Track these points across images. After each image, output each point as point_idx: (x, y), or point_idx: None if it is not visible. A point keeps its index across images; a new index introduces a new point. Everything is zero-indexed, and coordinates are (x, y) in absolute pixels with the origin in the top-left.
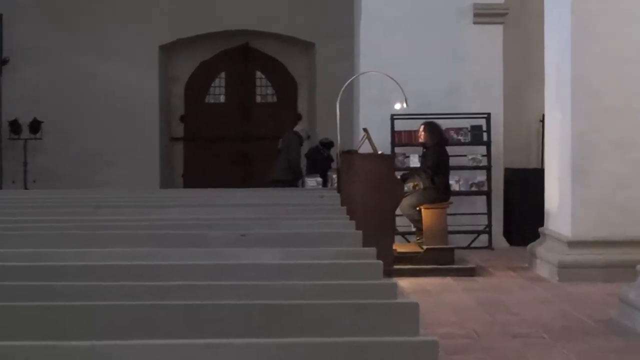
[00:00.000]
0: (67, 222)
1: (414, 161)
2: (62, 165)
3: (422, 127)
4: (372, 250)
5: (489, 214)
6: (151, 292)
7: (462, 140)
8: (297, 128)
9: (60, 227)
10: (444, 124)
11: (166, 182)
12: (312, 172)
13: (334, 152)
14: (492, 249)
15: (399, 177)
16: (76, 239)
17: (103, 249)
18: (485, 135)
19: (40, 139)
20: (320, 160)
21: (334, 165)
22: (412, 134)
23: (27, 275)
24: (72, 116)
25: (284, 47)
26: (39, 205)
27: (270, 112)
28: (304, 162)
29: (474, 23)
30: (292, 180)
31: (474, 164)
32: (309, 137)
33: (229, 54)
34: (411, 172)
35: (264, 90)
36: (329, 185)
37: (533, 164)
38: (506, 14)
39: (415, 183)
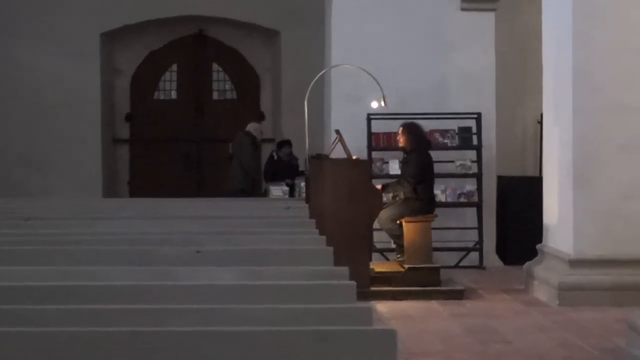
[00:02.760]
0: None
1: (394, 167)
2: None
3: (401, 129)
4: (345, 269)
5: (479, 228)
6: (90, 317)
7: (449, 144)
8: (249, 127)
9: None
10: (428, 125)
11: (109, 190)
12: (270, 180)
13: (302, 158)
14: (484, 268)
15: (378, 186)
16: (3, 255)
17: (34, 267)
18: (475, 138)
19: None
20: (272, 164)
21: (298, 164)
22: (391, 136)
23: None
24: (0, 113)
25: (244, 35)
26: None
27: (228, 110)
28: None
29: (462, 9)
30: (250, 189)
31: (463, 171)
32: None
33: (181, 44)
34: (393, 182)
35: (221, 85)
36: (297, 194)
37: (530, 172)
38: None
39: (395, 193)
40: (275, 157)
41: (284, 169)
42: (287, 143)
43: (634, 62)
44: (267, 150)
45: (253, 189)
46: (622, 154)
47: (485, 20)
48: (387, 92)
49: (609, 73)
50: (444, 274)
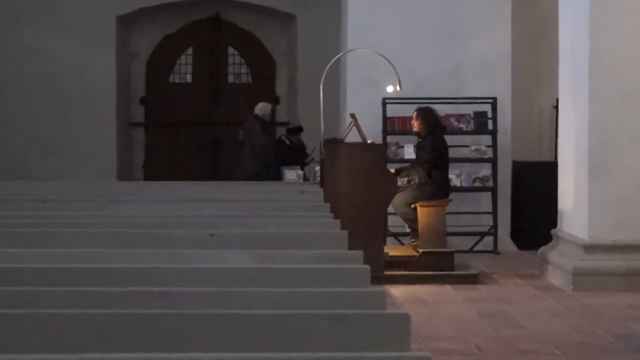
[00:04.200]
0: (8, 218)
1: (409, 152)
2: (4, 154)
3: (415, 114)
4: (359, 253)
5: (494, 213)
6: (104, 299)
7: (464, 129)
8: (257, 110)
9: (2, 223)
10: (443, 109)
11: (124, 174)
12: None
13: (313, 142)
14: (498, 253)
15: (392, 170)
16: (18, 238)
17: (49, 250)
18: (490, 123)
19: None
20: (284, 151)
21: (309, 151)
22: (406, 120)
23: None
24: (14, 98)
25: (260, 19)
26: None
27: (244, 94)
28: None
29: None
30: (263, 173)
31: (478, 156)
32: (273, 119)
33: (197, 27)
34: (407, 166)
35: (237, 69)
36: (312, 178)
37: (545, 157)
38: None
39: (410, 177)
40: (288, 142)
41: (295, 154)
42: (299, 129)
43: None
44: (281, 133)
45: (267, 173)
46: (637, 141)
47: (502, 6)
48: (403, 77)
49: (626, 60)
50: (458, 258)
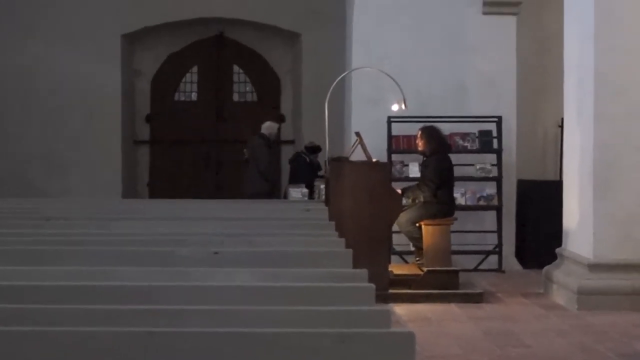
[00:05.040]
0: (13, 235)
1: (414, 170)
2: (8, 170)
3: (419, 133)
4: (364, 272)
5: (499, 232)
6: (109, 317)
7: (469, 148)
8: (264, 129)
9: (4, 241)
10: (448, 128)
11: (129, 191)
12: (294, 181)
13: (322, 158)
14: (503, 272)
15: (398, 190)
16: (23, 255)
17: (54, 267)
18: (495, 141)
19: None
20: (304, 167)
21: (321, 173)
22: (411, 139)
23: None
24: (19, 114)
25: (264, 37)
26: None
27: (248, 112)
28: (285, 168)
29: (484, 13)
30: (269, 191)
31: (483, 175)
32: (279, 138)
33: (202, 45)
34: (413, 185)
35: (241, 87)
36: (316, 197)
37: (550, 176)
38: (520, 3)
39: (415, 196)
40: (308, 160)
41: (312, 171)
42: (318, 149)
43: None
44: (286, 152)
45: (272, 192)
46: None
47: (507, 24)
48: (408, 95)
49: (631, 79)
50: (462, 277)
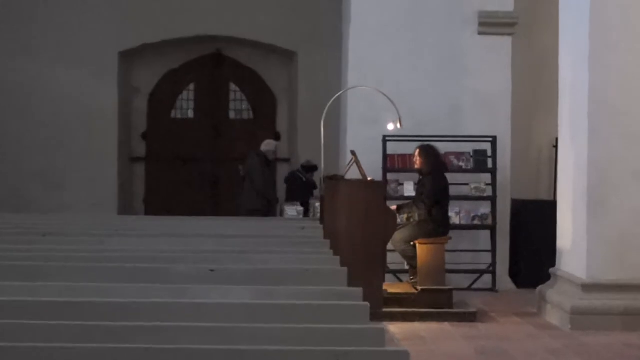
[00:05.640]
0: (9, 251)
1: (409, 189)
2: (5, 186)
3: (417, 151)
4: (359, 290)
5: (493, 251)
6: (104, 333)
7: (464, 167)
8: (263, 145)
9: (1, 256)
10: (443, 147)
11: (125, 208)
12: (291, 199)
13: (318, 177)
14: (496, 291)
15: (393, 207)
16: (19, 271)
17: (50, 283)
18: (490, 161)
19: None
20: (299, 186)
21: (316, 192)
22: (406, 158)
23: None
24: (17, 130)
25: (261, 56)
26: None
27: (245, 130)
28: (282, 186)
29: (479, 34)
30: (264, 208)
31: (477, 194)
32: (276, 156)
33: (199, 63)
34: (408, 203)
35: (238, 105)
36: (311, 215)
37: (544, 195)
38: (515, 24)
39: (410, 215)
40: (304, 179)
41: (307, 189)
42: (315, 168)
43: None
44: (282, 170)
45: (268, 209)
46: (636, 181)
47: (502, 45)
48: (403, 115)
49: (625, 100)
50: (456, 296)
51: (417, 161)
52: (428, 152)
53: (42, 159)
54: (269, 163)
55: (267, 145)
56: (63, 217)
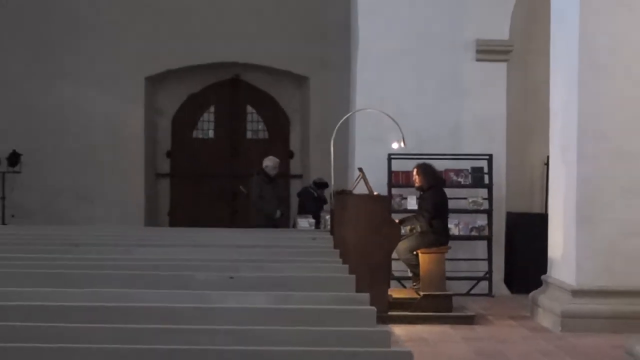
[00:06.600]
0: (45, 259)
1: (412, 203)
2: (41, 200)
3: (415, 170)
4: (366, 295)
5: (489, 259)
6: (132, 335)
7: (462, 183)
8: (264, 162)
9: (37, 265)
10: (443, 164)
11: (151, 220)
12: (303, 212)
13: (328, 192)
14: (493, 296)
15: (396, 220)
16: (53, 278)
17: (81, 290)
18: (486, 177)
19: (19, 172)
20: (312, 200)
21: (327, 206)
22: (409, 174)
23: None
24: (52, 149)
25: (275, 80)
26: (16, 242)
27: (260, 148)
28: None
29: (477, 60)
30: (264, 224)
31: (475, 208)
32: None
33: (219, 87)
34: (410, 216)
35: (254, 126)
36: (322, 226)
37: (536, 209)
38: (510, 51)
39: (413, 227)
40: (316, 194)
41: (318, 204)
42: (325, 185)
43: (636, 112)
44: (295, 185)
45: (267, 225)
46: (623, 197)
47: (498, 70)
48: (407, 135)
49: (613, 121)
50: (456, 301)
51: (416, 179)
52: (425, 169)
53: (75, 174)
54: (272, 179)
55: (267, 161)
56: (93, 228)
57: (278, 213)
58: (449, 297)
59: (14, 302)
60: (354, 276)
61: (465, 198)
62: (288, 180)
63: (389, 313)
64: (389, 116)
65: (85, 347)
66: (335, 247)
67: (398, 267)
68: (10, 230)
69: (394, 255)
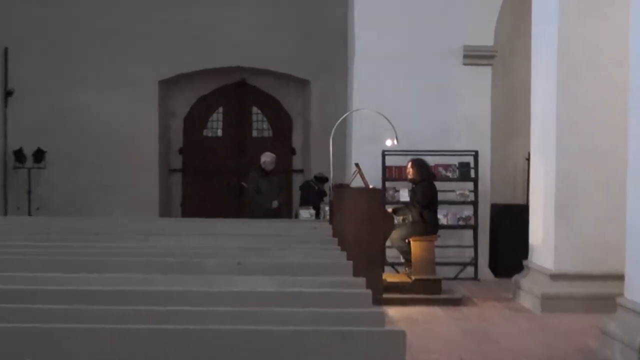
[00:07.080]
0: (68, 248)
1: (404, 195)
2: (64, 194)
3: (410, 163)
4: (362, 280)
5: (475, 247)
6: (147, 316)
7: (451, 177)
8: (262, 159)
9: (61, 252)
10: (433, 160)
11: (165, 211)
12: (305, 204)
13: (327, 186)
14: (478, 280)
15: (390, 209)
16: (75, 264)
17: (102, 275)
18: (472, 171)
19: (43, 168)
20: (312, 193)
21: (326, 198)
22: (402, 169)
23: (28, 298)
24: (74, 147)
25: (279, 83)
26: (42, 231)
27: (265, 146)
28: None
29: (464, 64)
30: (269, 213)
31: (462, 199)
32: (274, 167)
33: (227, 90)
34: (403, 207)
35: (259, 125)
36: (322, 217)
37: (518, 200)
38: (495, 56)
39: (405, 216)
40: (317, 187)
41: (319, 196)
42: (326, 179)
43: (609, 113)
44: (297, 179)
45: (267, 216)
46: (597, 189)
47: (483, 74)
48: (400, 133)
49: (589, 121)
50: (445, 284)
51: (410, 172)
52: (420, 164)
53: (95, 171)
54: (268, 173)
55: (264, 157)
56: (112, 219)
57: (275, 203)
58: (438, 281)
59: (43, 286)
60: (351, 262)
61: (453, 191)
62: (291, 174)
63: (384, 296)
64: (384, 116)
65: (104, 327)
66: (334, 235)
67: (392, 254)
68: (37, 221)
69: (388, 243)
